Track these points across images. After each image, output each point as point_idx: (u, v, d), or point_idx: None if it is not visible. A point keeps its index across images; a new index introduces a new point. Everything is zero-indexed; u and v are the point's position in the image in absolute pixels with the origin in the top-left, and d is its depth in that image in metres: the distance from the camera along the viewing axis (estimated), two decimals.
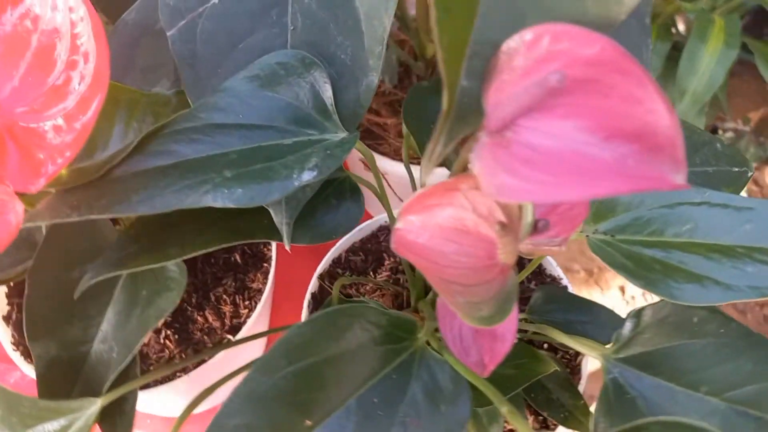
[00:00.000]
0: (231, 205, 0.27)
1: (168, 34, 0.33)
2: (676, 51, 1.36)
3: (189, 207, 0.27)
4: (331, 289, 0.52)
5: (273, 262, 0.53)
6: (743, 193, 0.35)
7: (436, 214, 0.24)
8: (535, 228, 0.23)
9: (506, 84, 0.18)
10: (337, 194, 0.35)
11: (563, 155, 0.17)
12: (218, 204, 0.27)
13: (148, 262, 0.31)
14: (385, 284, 0.49)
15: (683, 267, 0.29)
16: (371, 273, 0.54)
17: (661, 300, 0.29)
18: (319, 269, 0.52)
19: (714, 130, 1.61)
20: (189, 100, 0.33)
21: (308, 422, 0.26)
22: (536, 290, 0.44)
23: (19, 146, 0.25)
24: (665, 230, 0.31)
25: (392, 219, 0.44)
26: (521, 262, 0.54)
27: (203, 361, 0.48)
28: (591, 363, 0.48)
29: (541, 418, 0.47)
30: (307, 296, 0.51)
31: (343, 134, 0.32)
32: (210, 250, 0.31)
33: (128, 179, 0.28)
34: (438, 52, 0.18)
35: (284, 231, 0.32)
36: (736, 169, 0.38)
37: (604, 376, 0.29)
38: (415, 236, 0.25)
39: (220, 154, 0.29)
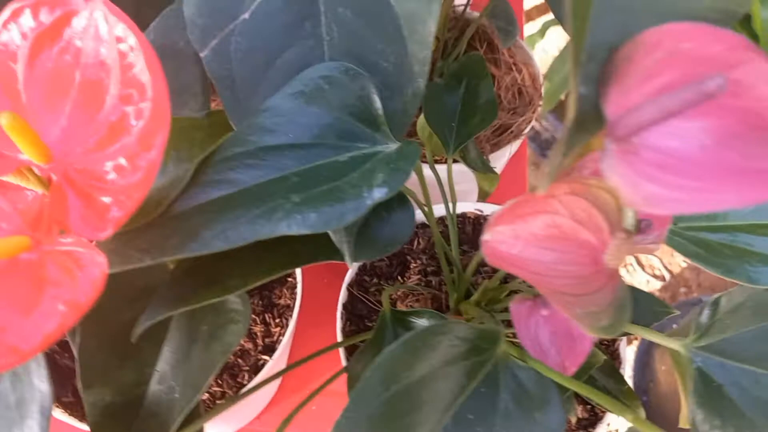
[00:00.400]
0: (306, 231, 0.26)
1: (201, 55, 0.31)
2: None
3: (263, 238, 0.25)
4: (361, 296, 0.52)
5: (299, 276, 0.51)
6: None
7: (529, 222, 0.24)
8: (639, 228, 0.23)
9: (632, 89, 0.18)
10: (386, 205, 0.34)
11: (703, 158, 0.17)
12: (293, 231, 0.26)
13: (209, 297, 0.30)
14: (423, 288, 0.49)
15: (752, 249, 0.29)
16: (399, 277, 0.53)
17: (738, 286, 0.29)
18: (347, 279, 0.51)
19: None
20: (231, 123, 0.32)
21: None
22: None
23: (78, 192, 0.24)
24: (727, 214, 0.31)
25: (431, 216, 0.44)
26: None
27: (242, 386, 0.46)
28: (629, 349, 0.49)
29: (589, 406, 0.47)
30: (339, 307, 0.50)
31: (394, 145, 0.31)
32: (273, 278, 0.30)
33: (192, 214, 0.26)
34: (569, 60, 0.17)
35: (345, 250, 0.31)
36: None
37: (688, 366, 0.29)
38: (508, 247, 0.24)
39: (280, 178, 0.28)
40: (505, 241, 0.24)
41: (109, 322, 0.32)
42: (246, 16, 0.32)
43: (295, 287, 0.51)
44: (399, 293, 0.51)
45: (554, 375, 0.29)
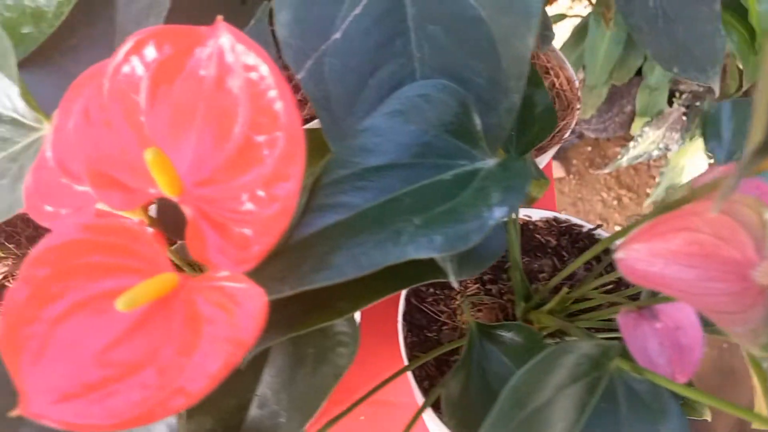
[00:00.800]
0: (433, 255, 0.25)
1: (299, 77, 0.31)
2: None
3: (392, 263, 0.25)
4: (422, 307, 0.51)
5: None
6: None
7: (668, 240, 0.24)
8: None
9: None
10: None
11: None
12: (421, 255, 0.25)
13: (319, 321, 0.29)
14: (485, 297, 0.49)
15: None
16: (458, 284, 0.53)
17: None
18: (405, 290, 0.51)
19: (672, 94, 1.67)
20: (329, 142, 0.31)
21: None
22: None
23: (213, 225, 0.23)
24: None
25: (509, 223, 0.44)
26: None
27: None
28: None
29: None
30: (399, 318, 0.50)
31: (492, 160, 0.31)
32: (380, 300, 0.30)
33: (316, 241, 0.26)
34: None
35: (449, 269, 0.31)
36: None
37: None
38: (647, 265, 0.24)
39: (392, 200, 0.28)
40: (643, 259, 0.24)
41: None
42: (338, 35, 0.32)
43: None
44: (459, 304, 0.51)
45: (667, 384, 0.29)
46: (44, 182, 0.26)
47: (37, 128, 0.31)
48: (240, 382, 0.33)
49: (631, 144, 1.58)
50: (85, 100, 0.24)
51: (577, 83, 0.62)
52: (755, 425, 0.38)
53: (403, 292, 0.51)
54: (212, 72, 0.24)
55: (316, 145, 0.32)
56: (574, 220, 0.55)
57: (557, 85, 0.61)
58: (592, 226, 0.54)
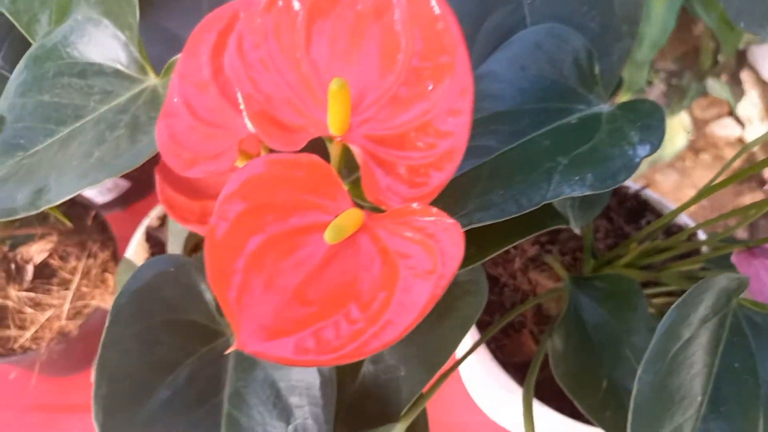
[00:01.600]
0: (587, 193, 0.25)
1: None
2: None
3: (549, 201, 0.25)
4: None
5: None
6: None
7: None
8: None
9: None
10: None
11: None
12: (575, 193, 0.25)
13: None
14: (547, 257, 0.49)
15: None
16: (510, 249, 0.53)
17: None
18: None
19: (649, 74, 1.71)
20: None
21: (699, 399, 0.26)
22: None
23: (379, 162, 0.22)
24: None
25: None
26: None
27: None
28: None
29: None
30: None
31: (606, 105, 0.31)
32: (509, 246, 0.30)
33: (467, 182, 0.26)
34: None
35: (570, 214, 0.31)
36: None
37: None
38: None
39: (529, 141, 0.28)
40: None
41: None
42: None
43: None
44: (519, 266, 0.51)
45: None
46: (177, 129, 0.25)
47: (141, 79, 0.30)
48: None
49: None
50: (237, 36, 0.23)
51: None
52: None
53: None
54: (369, 2, 0.23)
55: None
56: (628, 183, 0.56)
57: None
58: (638, 187, 0.55)
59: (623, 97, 1.70)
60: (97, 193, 0.70)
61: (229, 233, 0.19)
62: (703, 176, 2.03)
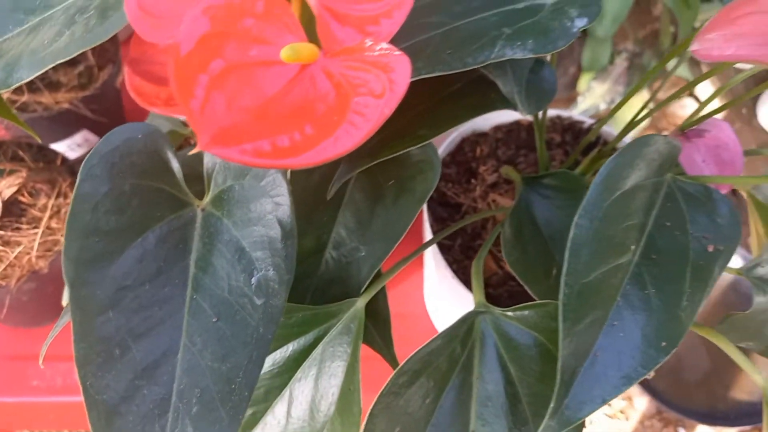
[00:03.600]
0: (528, 56, 0.27)
1: None
2: None
3: (492, 61, 0.27)
4: (441, 199, 0.53)
5: None
6: None
7: (739, 24, 0.27)
8: None
9: None
10: (533, 67, 0.36)
11: None
12: (517, 55, 0.27)
13: (401, 147, 0.31)
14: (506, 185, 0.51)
15: None
16: (470, 179, 0.55)
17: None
18: None
19: (613, 54, 1.76)
20: None
21: (632, 247, 0.28)
22: None
23: (337, 17, 0.24)
24: None
25: None
26: None
27: None
28: None
29: None
30: (425, 213, 0.52)
31: None
32: (456, 125, 0.32)
33: (424, 47, 0.28)
34: None
35: (517, 99, 0.33)
36: None
37: None
38: (721, 50, 0.27)
39: (481, 18, 0.30)
40: (717, 46, 0.27)
41: (296, 187, 0.33)
42: None
43: None
44: (480, 192, 0.53)
45: (714, 180, 0.32)
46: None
47: None
48: (317, 224, 0.34)
49: (579, 99, 1.66)
50: None
51: None
52: None
53: None
54: None
55: None
56: (576, 117, 0.59)
57: None
58: (592, 121, 0.58)
59: (584, 80, 1.75)
60: (67, 148, 0.71)
61: (194, 52, 0.21)
62: None
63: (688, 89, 0.35)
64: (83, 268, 0.26)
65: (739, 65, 0.45)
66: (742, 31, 0.27)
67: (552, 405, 0.24)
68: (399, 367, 0.28)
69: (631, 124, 0.45)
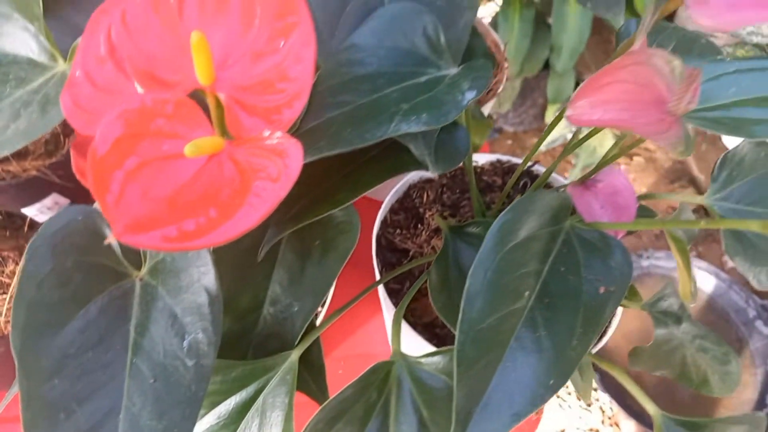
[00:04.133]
0: (423, 128, 0.31)
1: None
2: (540, 16, 1.54)
3: (390, 135, 0.30)
4: (389, 246, 0.57)
5: None
6: None
7: (603, 92, 0.30)
8: (686, 79, 0.30)
9: None
10: (447, 129, 0.40)
11: None
12: (412, 129, 0.31)
13: (323, 211, 0.34)
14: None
15: (746, 116, 0.37)
16: (417, 225, 0.58)
17: (738, 145, 0.38)
18: (375, 231, 0.56)
19: (577, 83, 1.82)
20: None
21: (527, 293, 0.32)
22: None
23: (245, 108, 0.28)
24: (718, 96, 0.39)
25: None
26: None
27: None
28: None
29: None
30: (374, 257, 0.55)
31: (455, 69, 0.37)
32: (374, 188, 0.35)
33: (325, 126, 0.31)
34: None
35: (428, 160, 0.36)
36: (718, 56, 0.48)
37: (715, 214, 0.37)
38: (589, 115, 0.31)
39: (383, 95, 0.33)
40: (586, 112, 0.31)
41: (230, 252, 0.36)
42: None
43: None
44: (426, 237, 0.56)
45: (610, 227, 0.36)
46: (80, 97, 0.30)
47: (52, 66, 0.35)
48: (253, 282, 0.37)
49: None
50: (122, 11, 0.28)
51: (502, 46, 0.70)
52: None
53: (374, 235, 0.56)
54: None
55: None
56: (515, 160, 0.62)
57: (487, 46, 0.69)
58: (530, 164, 0.62)
59: (550, 112, 1.80)
60: (37, 212, 0.73)
61: (109, 153, 0.24)
62: (637, 178, 2.13)
63: (568, 152, 0.38)
64: (29, 339, 0.29)
65: None
66: (606, 99, 0.30)
67: None
68: (314, 414, 0.31)
69: (552, 167, 0.48)
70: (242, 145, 0.27)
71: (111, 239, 0.23)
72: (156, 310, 0.31)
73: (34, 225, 0.60)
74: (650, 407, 0.35)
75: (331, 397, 0.31)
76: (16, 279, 0.56)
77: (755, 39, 1.72)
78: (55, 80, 0.34)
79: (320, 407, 0.31)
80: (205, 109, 0.28)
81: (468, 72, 0.35)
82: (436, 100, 0.32)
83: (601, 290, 0.33)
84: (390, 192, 0.59)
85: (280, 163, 0.25)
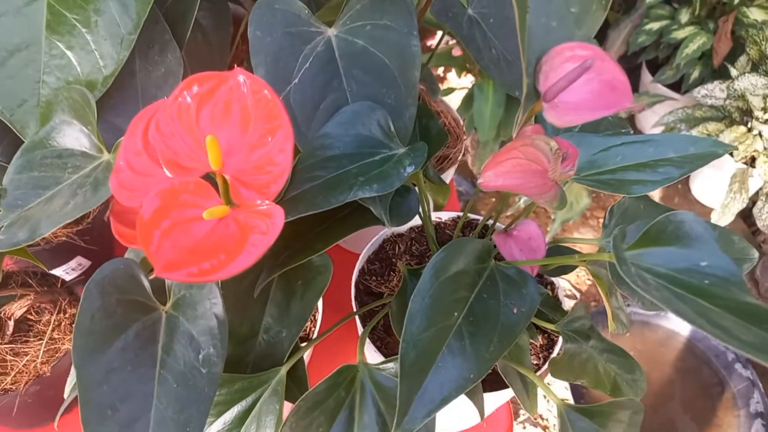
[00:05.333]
0: (374, 195, 0.42)
1: None
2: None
3: (349, 200, 0.42)
4: (366, 290, 0.67)
5: None
6: None
7: (502, 165, 0.42)
8: (562, 155, 0.41)
9: (549, 76, 0.37)
10: (401, 192, 0.52)
11: (581, 102, 0.36)
12: (366, 195, 0.42)
13: (304, 257, 0.45)
14: None
15: (627, 178, 0.49)
16: (390, 272, 0.69)
17: (621, 198, 0.49)
18: (354, 278, 0.67)
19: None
20: (298, 146, 0.48)
21: (456, 314, 0.42)
22: None
23: (242, 183, 0.39)
24: (607, 163, 0.51)
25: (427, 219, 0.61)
26: None
27: None
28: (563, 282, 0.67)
29: (546, 334, 0.65)
30: (353, 300, 0.66)
31: (402, 149, 0.49)
32: (342, 239, 0.46)
33: (305, 194, 0.43)
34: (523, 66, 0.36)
35: (384, 218, 0.47)
36: (622, 130, 0.60)
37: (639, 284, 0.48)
38: (494, 182, 0.42)
39: (345, 171, 0.45)
40: (491, 180, 0.42)
41: (232, 288, 0.47)
42: (296, 80, 0.49)
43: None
44: (395, 282, 0.67)
45: (524, 263, 0.47)
46: (123, 180, 0.42)
47: (99, 156, 0.46)
48: (252, 315, 0.47)
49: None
50: (155, 119, 0.40)
51: (462, 122, 0.83)
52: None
53: (353, 282, 0.67)
54: (234, 96, 0.41)
55: None
56: (473, 216, 0.74)
57: (447, 123, 0.82)
58: (481, 217, 0.73)
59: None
60: (63, 272, 0.84)
61: (150, 218, 0.35)
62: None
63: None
64: (85, 358, 0.39)
65: None
66: (504, 171, 0.42)
67: (396, 420, 0.37)
68: (297, 402, 0.41)
69: (485, 219, 0.59)
70: (242, 210, 0.38)
71: (151, 277, 0.34)
72: (178, 333, 0.41)
73: (64, 283, 0.71)
74: (555, 399, 0.45)
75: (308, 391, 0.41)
76: (50, 326, 0.66)
77: (709, 101, 1.87)
78: (102, 167, 0.46)
79: (301, 397, 0.41)
80: (215, 185, 0.40)
81: (411, 152, 0.47)
82: (385, 173, 0.44)
83: (515, 311, 0.43)
84: (366, 245, 0.71)
85: (269, 222, 0.36)
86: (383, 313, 0.58)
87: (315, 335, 0.63)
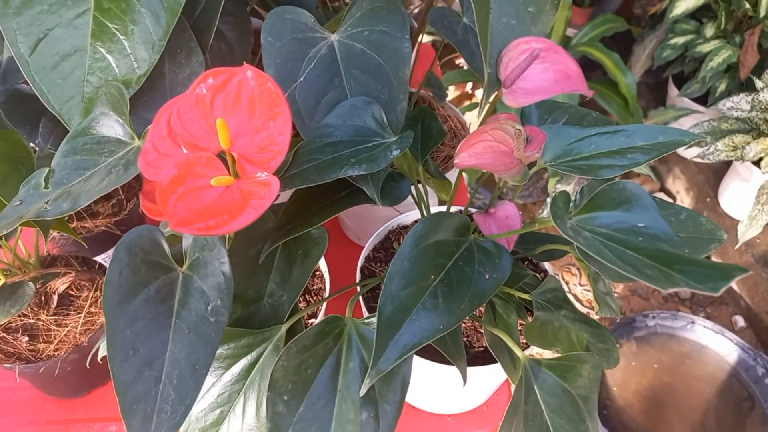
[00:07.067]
0: (361, 173, 0.49)
1: None
2: None
3: (339, 177, 0.48)
4: (371, 275, 0.73)
5: (324, 267, 0.73)
6: None
7: (475, 147, 0.48)
8: (527, 140, 0.47)
9: (509, 65, 0.43)
10: (394, 178, 0.58)
11: (533, 89, 0.42)
12: (355, 173, 0.49)
13: (303, 229, 0.52)
14: None
15: (598, 163, 0.54)
16: None
17: (590, 179, 0.54)
18: (360, 264, 0.73)
19: None
20: (301, 134, 0.55)
21: (432, 277, 0.48)
22: None
23: (248, 161, 0.46)
24: (582, 151, 0.56)
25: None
26: None
27: None
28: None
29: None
30: (358, 285, 0.72)
31: (394, 138, 0.55)
32: (338, 213, 0.53)
33: (303, 172, 0.49)
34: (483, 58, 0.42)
35: (376, 197, 0.54)
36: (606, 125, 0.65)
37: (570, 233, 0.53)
38: (468, 162, 0.48)
39: (340, 155, 0.51)
40: (466, 160, 0.48)
41: (241, 257, 0.53)
42: (301, 79, 0.57)
43: (323, 276, 0.73)
44: None
45: (500, 237, 0.52)
46: (149, 160, 0.49)
47: (131, 143, 0.54)
48: (258, 280, 0.54)
49: (548, 200, 1.87)
50: (177, 108, 0.47)
51: (468, 125, 0.89)
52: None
53: (358, 268, 0.73)
54: (244, 87, 0.48)
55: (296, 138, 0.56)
56: (473, 210, 0.79)
57: (453, 126, 0.88)
58: None
59: (551, 183, 1.97)
60: (102, 260, 0.93)
61: (168, 185, 0.42)
62: None
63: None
64: (114, 307, 0.46)
65: None
66: (476, 152, 0.48)
67: (372, 361, 0.42)
68: (288, 343, 0.47)
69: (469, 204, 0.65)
70: (245, 180, 0.45)
71: (167, 232, 0.41)
72: (192, 289, 0.48)
73: (102, 266, 0.79)
74: (518, 351, 0.50)
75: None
76: (89, 302, 0.74)
77: (735, 114, 1.89)
78: (133, 151, 0.53)
79: (292, 339, 0.47)
80: (224, 161, 0.47)
81: (399, 140, 0.53)
82: (374, 156, 0.50)
83: (487, 277, 0.49)
84: (370, 237, 0.77)
85: (266, 189, 0.43)
86: (379, 279, 0.63)
87: (321, 311, 0.69)
